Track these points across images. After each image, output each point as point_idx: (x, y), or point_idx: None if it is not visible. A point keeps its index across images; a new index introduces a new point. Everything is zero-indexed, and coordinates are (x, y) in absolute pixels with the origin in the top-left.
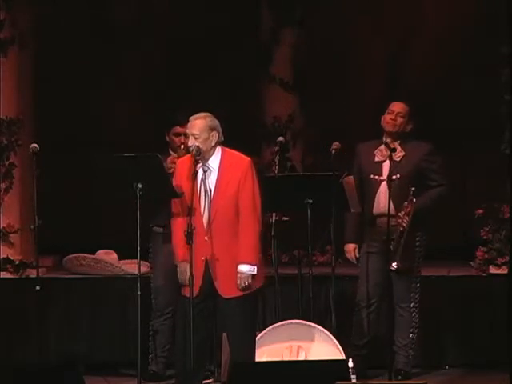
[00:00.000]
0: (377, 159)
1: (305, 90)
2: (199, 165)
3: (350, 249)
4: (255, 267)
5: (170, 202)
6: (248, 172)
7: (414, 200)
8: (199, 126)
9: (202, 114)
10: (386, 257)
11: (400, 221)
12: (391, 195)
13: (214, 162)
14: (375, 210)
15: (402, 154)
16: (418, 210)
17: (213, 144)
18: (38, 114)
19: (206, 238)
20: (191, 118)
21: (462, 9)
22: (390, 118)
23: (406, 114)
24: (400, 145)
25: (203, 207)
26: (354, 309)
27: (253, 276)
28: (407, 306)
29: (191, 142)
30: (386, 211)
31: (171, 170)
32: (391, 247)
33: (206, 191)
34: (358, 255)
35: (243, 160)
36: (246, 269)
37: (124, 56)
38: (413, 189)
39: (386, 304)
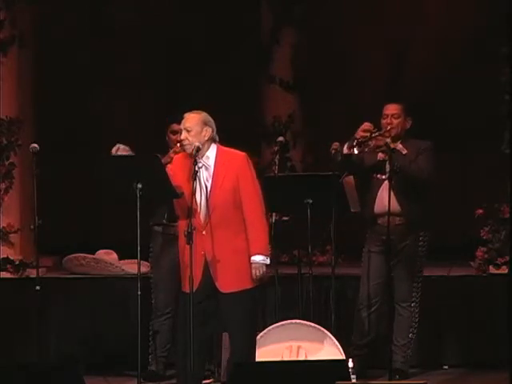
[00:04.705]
0: (379, 158)
1: (305, 90)
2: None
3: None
4: (268, 257)
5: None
6: (245, 165)
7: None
8: (192, 119)
9: (197, 111)
10: (388, 256)
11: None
12: (395, 193)
13: (209, 158)
14: (377, 209)
15: (405, 152)
16: (402, 155)
17: (206, 139)
18: (37, 113)
19: (203, 232)
20: (186, 113)
21: (462, 9)
22: (387, 123)
23: (401, 113)
24: (401, 144)
25: (199, 203)
26: (354, 309)
27: (267, 266)
28: (408, 306)
29: (183, 136)
30: (389, 210)
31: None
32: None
33: (201, 187)
34: None
35: (238, 155)
36: (258, 259)
37: (124, 55)
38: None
39: (387, 304)
